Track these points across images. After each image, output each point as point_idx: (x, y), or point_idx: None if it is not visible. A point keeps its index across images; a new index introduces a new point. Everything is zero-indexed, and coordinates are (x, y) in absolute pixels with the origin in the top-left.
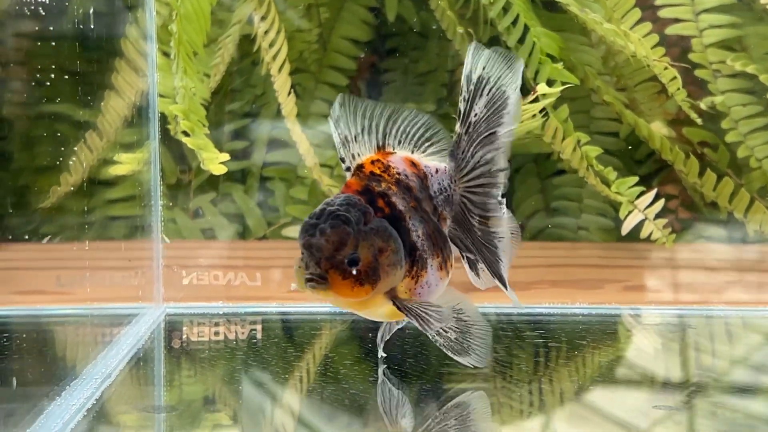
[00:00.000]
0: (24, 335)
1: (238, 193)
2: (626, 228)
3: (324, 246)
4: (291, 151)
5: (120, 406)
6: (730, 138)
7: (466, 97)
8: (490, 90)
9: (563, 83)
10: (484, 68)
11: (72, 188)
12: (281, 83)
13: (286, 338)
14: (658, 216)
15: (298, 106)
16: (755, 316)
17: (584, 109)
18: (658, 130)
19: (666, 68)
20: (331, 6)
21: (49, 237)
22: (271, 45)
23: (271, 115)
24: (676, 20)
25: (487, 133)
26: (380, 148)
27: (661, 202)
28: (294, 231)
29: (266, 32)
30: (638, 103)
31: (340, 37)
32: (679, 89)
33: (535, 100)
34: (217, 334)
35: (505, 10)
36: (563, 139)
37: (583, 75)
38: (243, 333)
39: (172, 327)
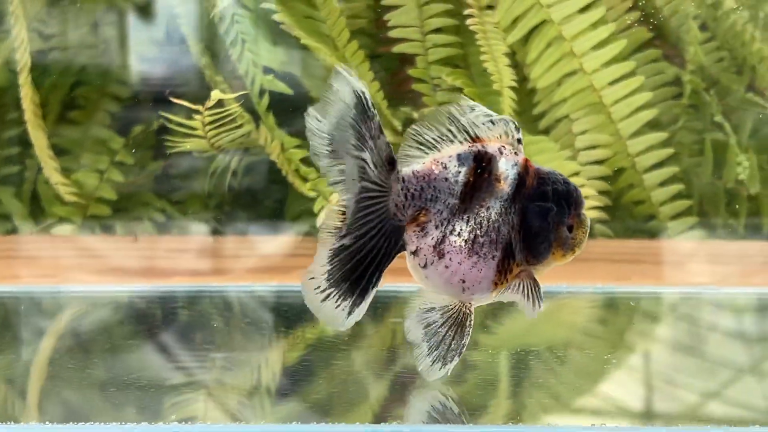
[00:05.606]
0: None
1: (6, 196)
2: (320, 220)
3: None
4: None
5: None
6: None
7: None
8: None
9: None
10: None
11: None
12: (24, 94)
13: None
14: None
15: (81, 117)
16: None
17: None
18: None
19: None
20: (119, 25)
21: None
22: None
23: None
24: (405, 40)
25: None
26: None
27: None
28: (61, 229)
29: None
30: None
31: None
32: (381, 101)
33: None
34: None
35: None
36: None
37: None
38: None
39: None
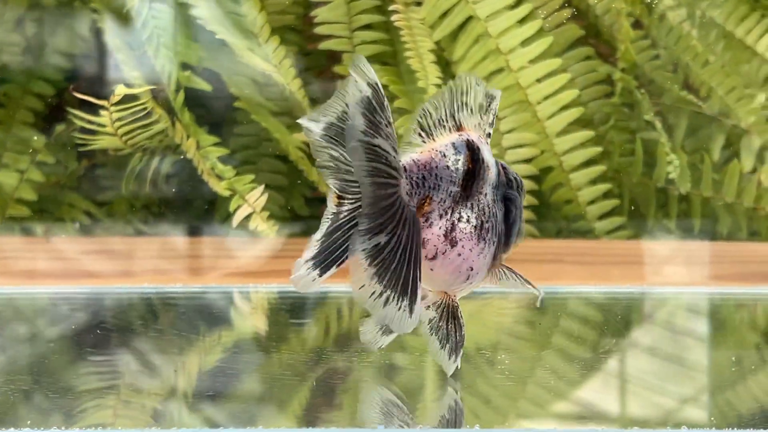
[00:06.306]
0: None
1: None
2: (236, 220)
3: None
4: None
5: None
6: None
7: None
8: None
9: (151, 84)
10: None
11: None
12: None
13: None
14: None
15: (3, 115)
16: None
17: None
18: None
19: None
20: (40, 21)
21: None
22: None
23: None
24: (333, 36)
25: None
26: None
27: (265, 196)
28: None
29: None
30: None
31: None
32: (303, 98)
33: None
34: None
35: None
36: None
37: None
38: None
39: None
